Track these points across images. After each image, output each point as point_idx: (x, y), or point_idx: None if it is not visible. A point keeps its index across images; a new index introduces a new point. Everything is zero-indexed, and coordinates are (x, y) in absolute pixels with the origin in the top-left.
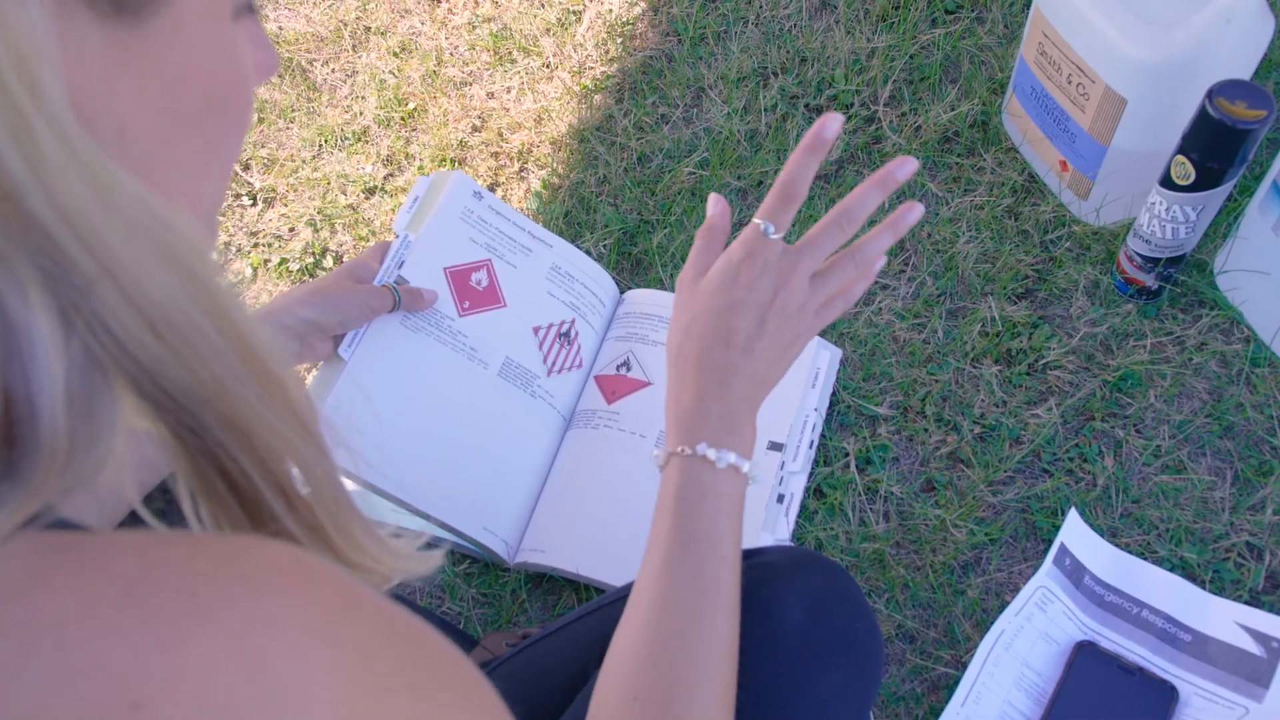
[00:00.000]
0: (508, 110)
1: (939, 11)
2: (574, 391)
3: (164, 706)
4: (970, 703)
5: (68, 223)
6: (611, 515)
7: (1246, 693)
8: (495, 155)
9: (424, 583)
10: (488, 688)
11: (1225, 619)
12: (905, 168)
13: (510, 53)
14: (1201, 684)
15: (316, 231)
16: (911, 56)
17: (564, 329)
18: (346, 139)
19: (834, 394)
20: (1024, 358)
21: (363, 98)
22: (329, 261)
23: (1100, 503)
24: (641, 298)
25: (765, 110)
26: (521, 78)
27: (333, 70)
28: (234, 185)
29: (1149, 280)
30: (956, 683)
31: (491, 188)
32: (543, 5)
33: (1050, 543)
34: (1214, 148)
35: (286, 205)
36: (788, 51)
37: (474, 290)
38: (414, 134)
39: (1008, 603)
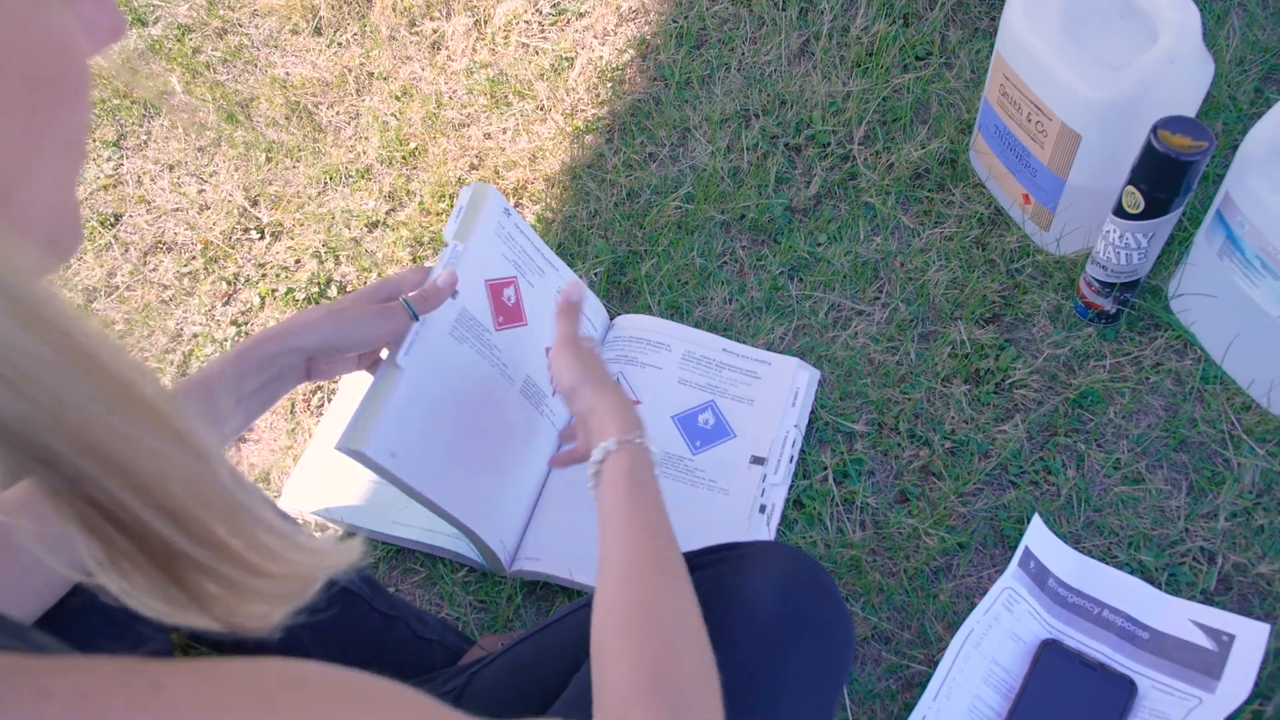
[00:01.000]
0: (504, 150)
1: (910, 58)
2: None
3: None
4: (941, 698)
5: None
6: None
7: (1200, 684)
8: None
9: (424, 590)
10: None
11: (1180, 617)
12: (575, 292)
13: (506, 96)
14: (1158, 678)
15: (321, 263)
16: (884, 99)
17: None
18: (350, 176)
19: (813, 412)
20: (991, 377)
21: (366, 138)
22: (333, 291)
23: (1064, 511)
24: (631, 323)
25: (747, 149)
26: (517, 119)
27: (337, 113)
28: (242, 219)
29: (1107, 304)
30: (929, 680)
31: None
32: (537, 52)
33: (1016, 548)
34: (1160, 178)
35: (293, 238)
36: (768, 95)
37: (505, 305)
38: (414, 172)
39: (977, 605)
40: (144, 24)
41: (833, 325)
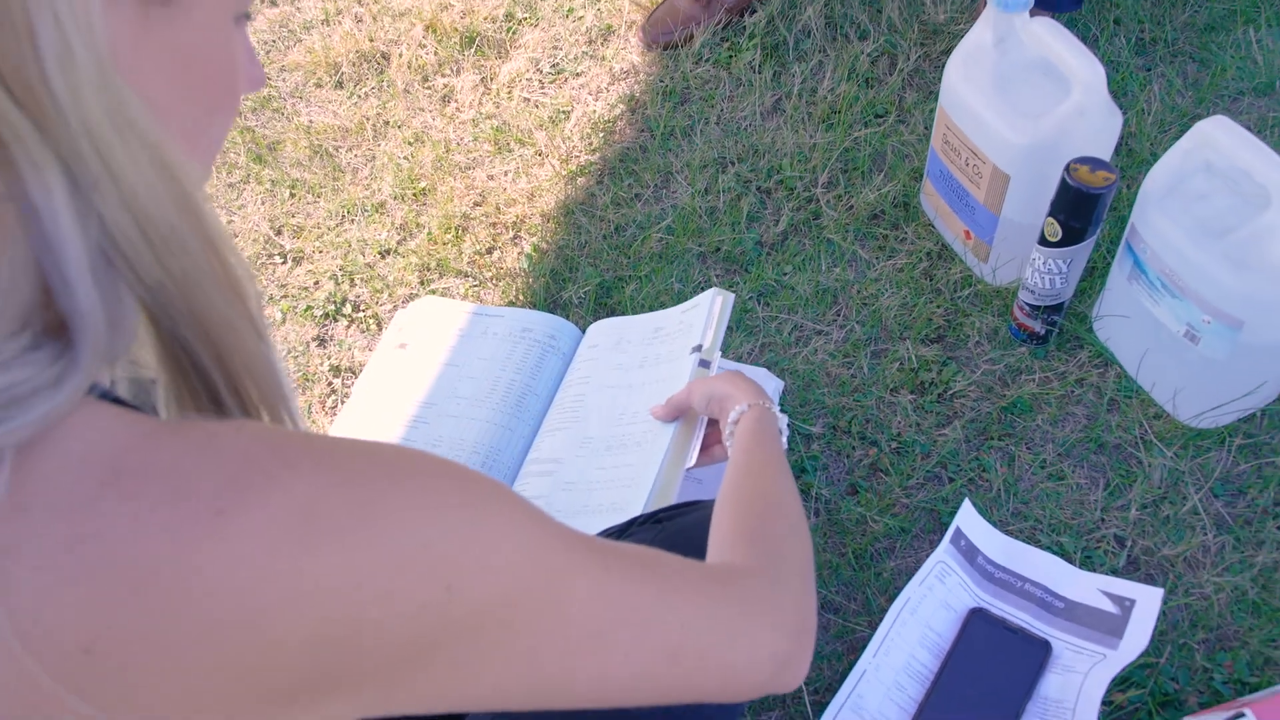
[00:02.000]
0: (505, 189)
1: (870, 115)
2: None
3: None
4: (880, 655)
5: (89, 136)
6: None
7: (1104, 643)
8: (493, 225)
9: None
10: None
11: (1090, 587)
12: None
13: (508, 143)
14: (1070, 639)
15: (338, 284)
16: (846, 150)
17: None
18: (366, 210)
19: None
20: (934, 389)
21: (381, 178)
22: (348, 309)
23: (995, 502)
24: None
25: (723, 191)
26: (517, 163)
27: (355, 155)
28: (267, 246)
29: (1037, 326)
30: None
31: (489, 251)
32: (537, 105)
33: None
34: (1074, 209)
35: (313, 263)
36: (743, 145)
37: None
38: (424, 207)
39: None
40: None
41: (795, 343)
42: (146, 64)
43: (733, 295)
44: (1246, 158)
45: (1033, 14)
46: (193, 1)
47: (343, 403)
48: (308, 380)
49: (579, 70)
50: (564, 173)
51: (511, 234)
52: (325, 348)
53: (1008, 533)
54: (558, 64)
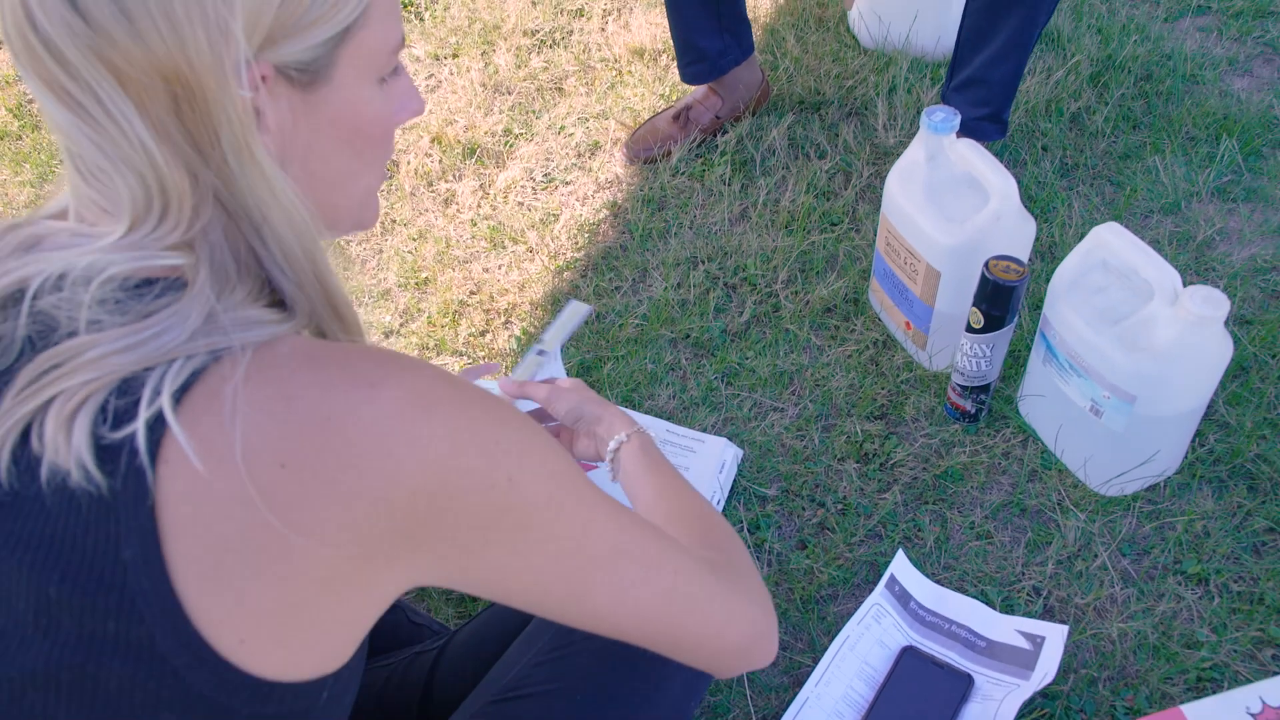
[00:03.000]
0: (498, 280)
1: (826, 224)
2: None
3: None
4: (821, 685)
5: (252, 195)
6: None
7: (1019, 675)
8: (487, 311)
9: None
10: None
11: (1008, 628)
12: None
13: (503, 241)
14: (990, 673)
15: None
16: (804, 252)
17: None
18: (372, 296)
19: (735, 480)
20: (877, 459)
21: (387, 268)
22: None
23: (928, 557)
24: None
25: (693, 285)
26: (510, 259)
27: (364, 248)
28: None
29: (968, 406)
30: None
31: (483, 334)
32: (529, 209)
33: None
34: (993, 300)
35: None
36: (713, 246)
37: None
38: (425, 295)
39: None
40: None
41: (754, 417)
42: (306, 132)
43: (590, 308)
44: (1134, 257)
45: (958, 136)
46: (337, 82)
47: None
48: None
49: (568, 179)
50: (552, 267)
51: (503, 319)
52: None
53: (938, 582)
54: (549, 173)
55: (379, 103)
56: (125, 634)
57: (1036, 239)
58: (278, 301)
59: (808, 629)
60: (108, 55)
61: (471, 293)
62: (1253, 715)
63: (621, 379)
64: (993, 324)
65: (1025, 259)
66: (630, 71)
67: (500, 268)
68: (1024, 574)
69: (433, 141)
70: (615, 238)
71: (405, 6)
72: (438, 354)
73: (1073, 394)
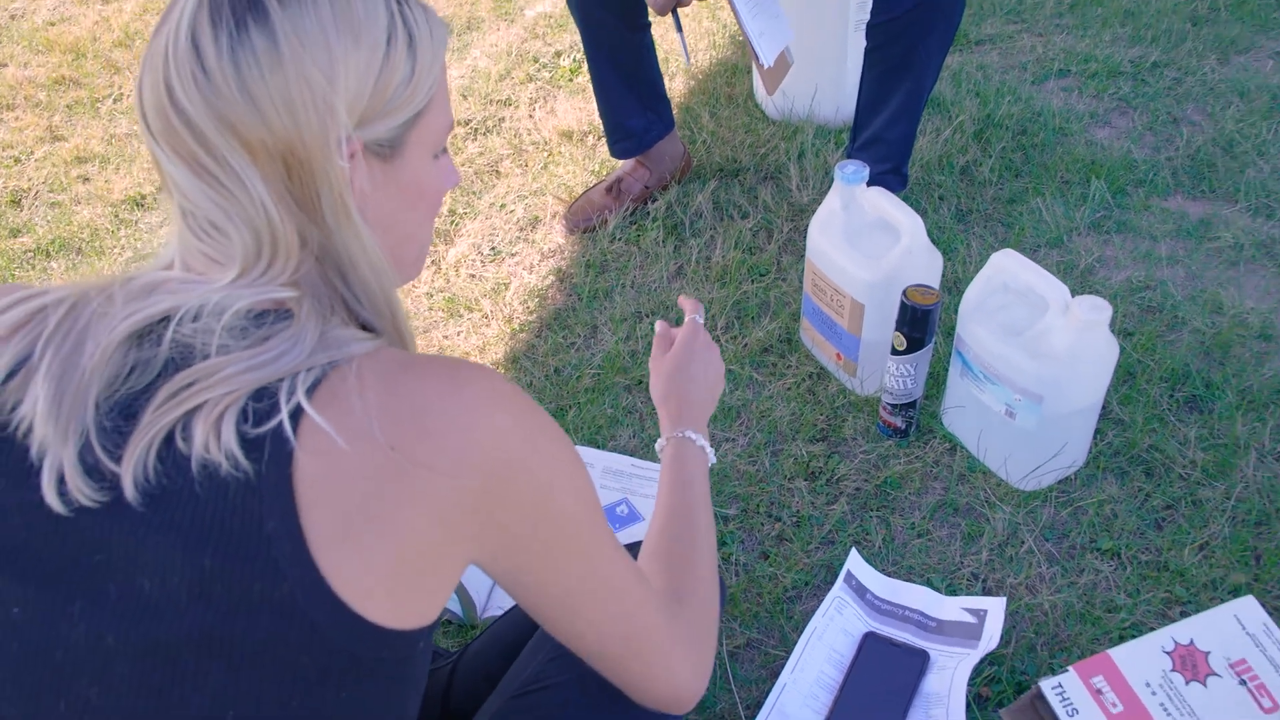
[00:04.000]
0: (458, 346)
1: (755, 275)
2: None
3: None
4: (796, 672)
5: (345, 248)
6: None
7: (967, 645)
8: None
9: None
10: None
11: (955, 607)
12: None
13: (459, 310)
14: (942, 647)
15: None
16: (737, 301)
17: None
18: None
19: None
20: (823, 475)
21: None
22: None
23: (877, 556)
24: None
25: (641, 337)
26: (468, 325)
27: None
28: None
29: (899, 422)
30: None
31: None
32: (480, 279)
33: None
34: (912, 323)
35: None
36: (655, 301)
37: None
38: None
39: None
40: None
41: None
42: (382, 194)
43: None
44: (1029, 277)
45: (869, 185)
46: (407, 155)
47: None
48: None
49: (514, 251)
50: (508, 330)
51: None
52: None
53: (889, 575)
54: (495, 247)
55: (435, 173)
56: (270, 593)
57: (942, 276)
58: (361, 326)
59: (778, 626)
60: (239, 131)
61: None
62: (1168, 652)
63: (585, 424)
64: (914, 345)
65: (936, 287)
66: (560, 152)
67: (459, 334)
68: (962, 563)
69: None
70: (564, 300)
71: None
72: None
73: (989, 401)
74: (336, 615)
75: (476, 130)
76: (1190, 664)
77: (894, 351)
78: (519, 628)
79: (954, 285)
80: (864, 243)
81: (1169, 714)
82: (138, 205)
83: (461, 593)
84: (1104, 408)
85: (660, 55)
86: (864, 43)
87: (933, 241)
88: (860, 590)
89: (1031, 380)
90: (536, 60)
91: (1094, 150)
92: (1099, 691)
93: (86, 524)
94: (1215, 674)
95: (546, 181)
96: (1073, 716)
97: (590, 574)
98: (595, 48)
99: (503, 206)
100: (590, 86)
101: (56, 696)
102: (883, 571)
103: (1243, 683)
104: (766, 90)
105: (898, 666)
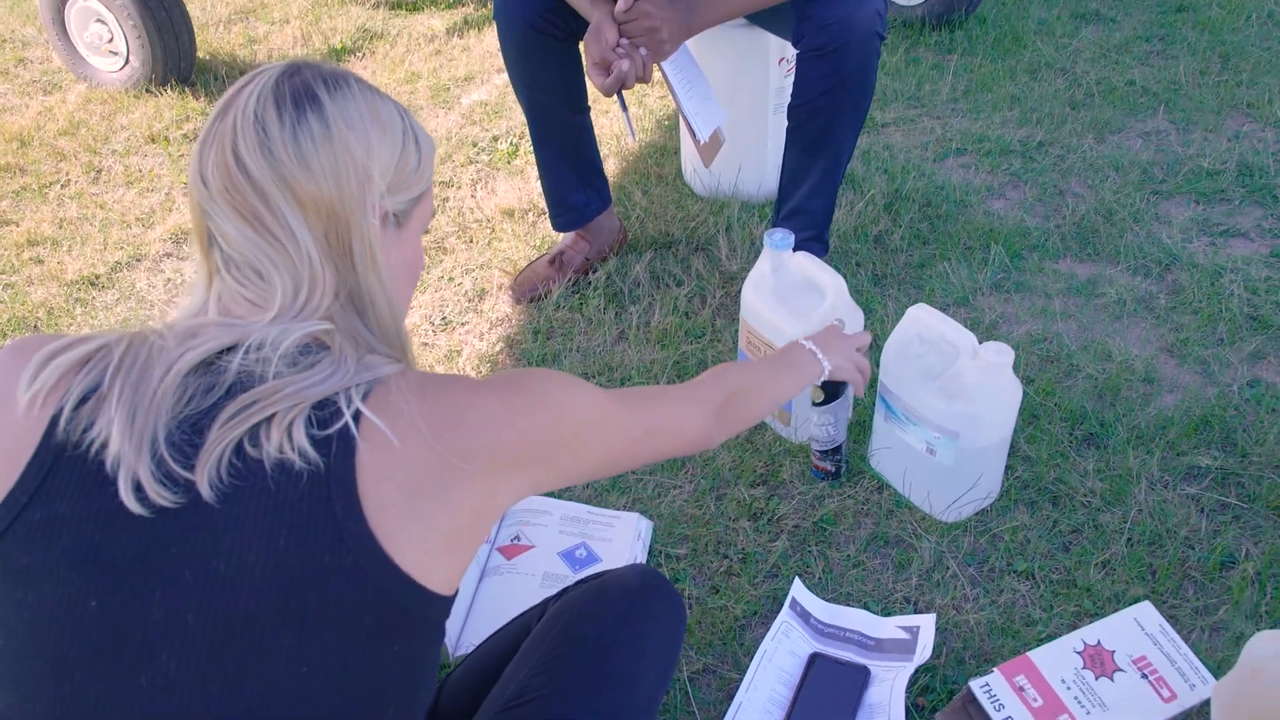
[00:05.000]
0: None
1: (692, 337)
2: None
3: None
4: (750, 691)
5: (369, 283)
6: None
7: (903, 659)
8: None
9: None
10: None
11: (890, 626)
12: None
13: None
14: (882, 663)
15: None
16: (676, 361)
17: None
18: None
19: (651, 546)
20: (765, 515)
21: None
22: None
23: (818, 586)
24: (523, 502)
25: None
26: None
27: None
28: None
29: (829, 466)
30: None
31: None
32: (432, 348)
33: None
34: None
35: None
36: (600, 364)
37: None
38: None
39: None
40: None
41: (658, 495)
42: (390, 255)
43: None
44: (941, 327)
45: (795, 250)
46: (411, 225)
47: None
48: None
49: (464, 321)
50: None
51: None
52: None
53: (830, 601)
54: (446, 317)
55: (420, 247)
56: (338, 561)
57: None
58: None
59: (731, 652)
60: (295, 190)
61: None
62: (1078, 652)
63: None
64: (830, 396)
65: None
66: (503, 229)
67: None
68: (895, 588)
69: None
70: (514, 365)
71: None
72: None
73: (911, 440)
74: (392, 576)
75: None
76: (1099, 661)
77: (814, 403)
78: (504, 645)
79: (874, 341)
80: (792, 302)
81: (1082, 705)
82: (92, 285)
83: (450, 646)
84: (1013, 446)
85: (597, 135)
86: (784, 124)
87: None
88: (804, 615)
89: (948, 419)
90: (475, 144)
91: (992, 219)
92: (1021, 689)
93: (164, 523)
94: (1121, 669)
95: (491, 256)
96: (999, 712)
97: (616, 435)
98: (540, 129)
99: (451, 280)
100: (528, 168)
101: (137, 673)
102: (824, 598)
103: (1144, 676)
104: (704, 162)
105: (842, 682)
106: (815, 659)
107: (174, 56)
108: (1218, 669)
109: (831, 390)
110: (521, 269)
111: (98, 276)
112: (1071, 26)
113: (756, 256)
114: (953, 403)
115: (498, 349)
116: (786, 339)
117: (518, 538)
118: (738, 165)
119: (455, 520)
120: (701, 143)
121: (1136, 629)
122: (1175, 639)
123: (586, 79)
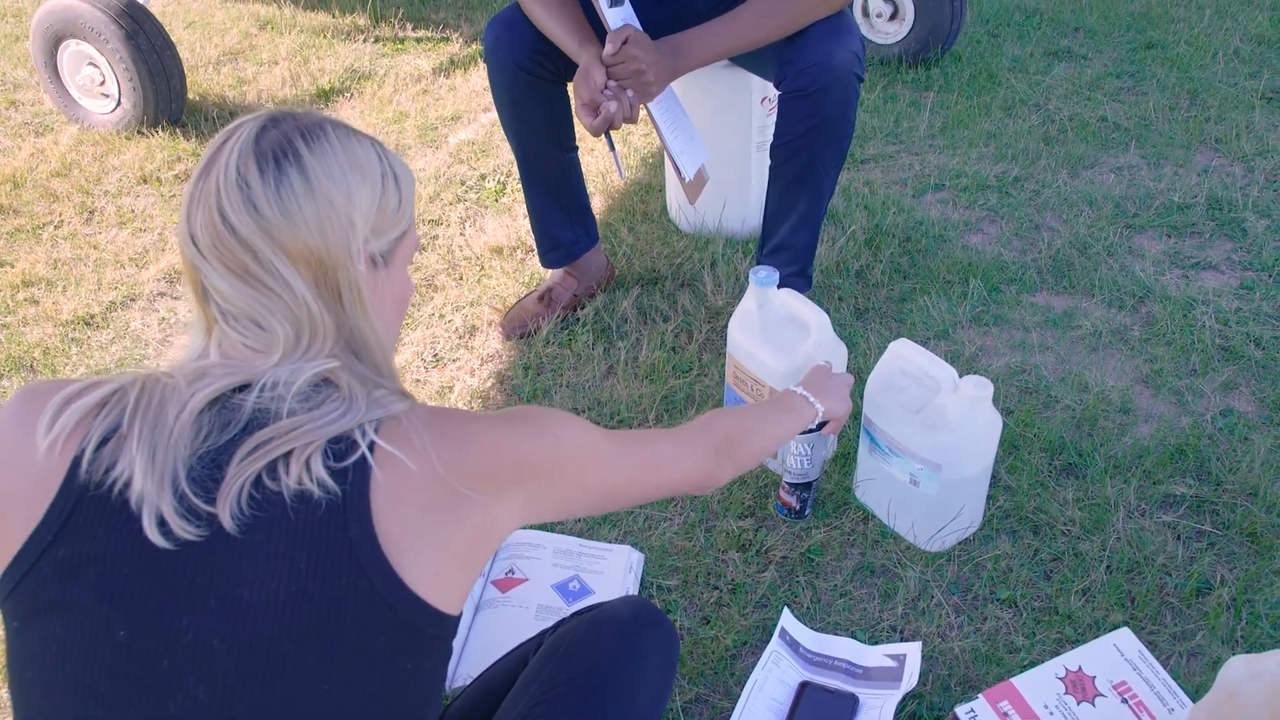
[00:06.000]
0: None
1: (679, 371)
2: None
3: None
4: (742, 718)
5: (358, 324)
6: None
7: (890, 687)
8: None
9: None
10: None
11: (877, 655)
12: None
13: None
14: (869, 690)
15: None
16: (664, 395)
17: None
18: None
19: (642, 577)
20: (753, 547)
21: None
22: None
23: (806, 615)
24: (518, 535)
25: None
26: None
27: None
28: None
29: (794, 502)
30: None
31: None
32: (424, 384)
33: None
34: None
35: None
36: (590, 398)
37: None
38: None
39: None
40: None
41: (648, 528)
42: (377, 294)
43: None
44: (922, 362)
45: (779, 286)
46: (397, 261)
47: None
48: None
49: (455, 357)
50: None
51: None
52: None
53: (818, 630)
54: (438, 354)
55: (406, 280)
56: (354, 584)
57: (847, 366)
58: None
59: (722, 682)
60: (283, 243)
61: None
62: (1060, 678)
63: None
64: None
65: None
66: (492, 266)
67: None
68: (881, 617)
69: None
70: (505, 400)
71: None
72: None
73: (895, 472)
74: (405, 598)
75: None
76: (1080, 687)
77: None
78: (502, 676)
79: (858, 374)
80: (778, 337)
81: None
82: (87, 325)
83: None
84: (994, 476)
85: (584, 173)
86: (767, 162)
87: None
88: (794, 645)
89: (930, 450)
90: (463, 183)
91: (970, 254)
92: (1005, 714)
93: (188, 555)
94: (1101, 694)
95: (481, 293)
96: None
97: (605, 468)
98: (528, 168)
99: (442, 317)
100: (516, 206)
101: (165, 700)
102: (812, 628)
103: (1125, 701)
104: (689, 200)
105: (831, 710)
106: (805, 687)
107: (165, 99)
108: (1195, 693)
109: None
110: (511, 306)
111: (92, 316)
112: (1044, 64)
113: (741, 291)
114: (935, 435)
115: (489, 385)
116: (773, 374)
117: (511, 571)
118: (722, 202)
119: (461, 542)
120: (687, 180)
121: (1116, 654)
122: (1154, 664)
123: (574, 119)
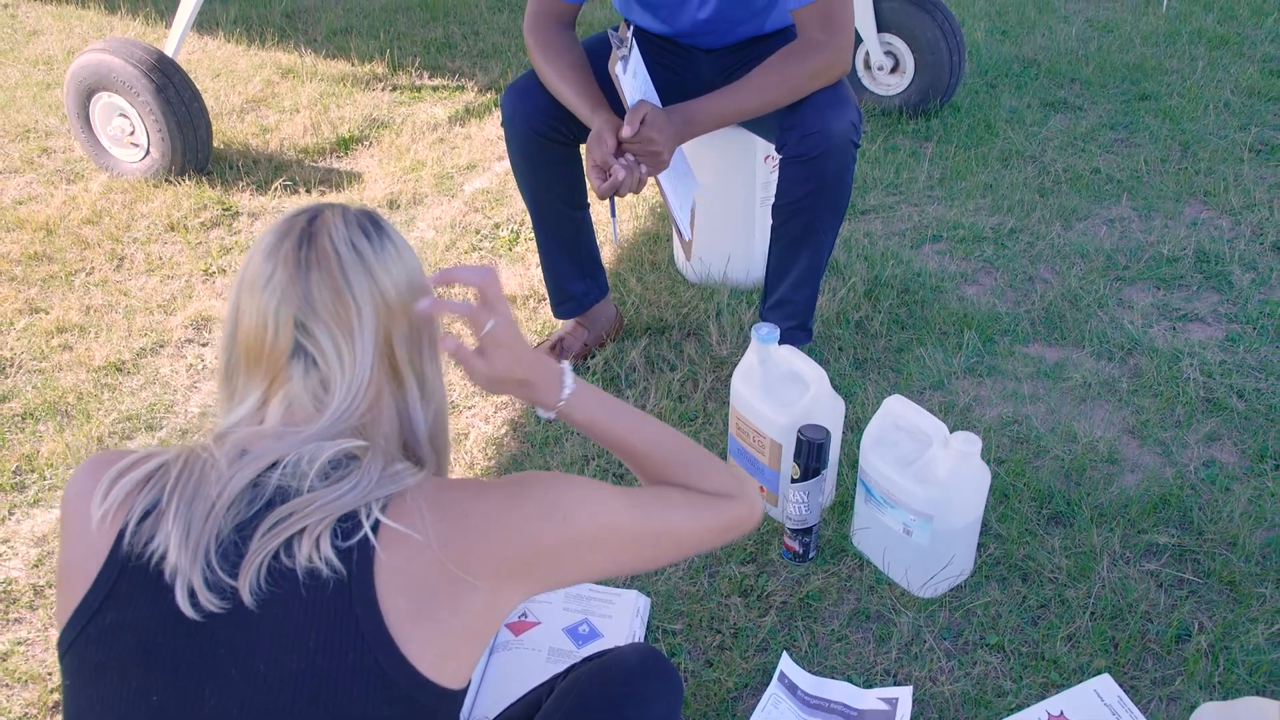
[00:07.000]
0: None
1: (684, 419)
2: None
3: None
4: None
5: (414, 400)
6: (522, 688)
7: None
8: None
9: None
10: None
11: (871, 698)
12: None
13: None
14: None
15: None
16: None
17: None
18: None
19: (649, 621)
20: (755, 592)
21: None
22: None
23: (804, 659)
24: None
25: (591, 476)
26: None
27: None
28: None
29: (797, 546)
30: None
31: None
32: None
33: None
34: (805, 455)
35: None
36: (597, 446)
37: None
38: None
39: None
40: (152, 429)
41: (655, 573)
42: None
43: None
44: (915, 417)
45: (780, 344)
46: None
47: None
48: None
49: (470, 405)
50: (470, 475)
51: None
52: None
53: (815, 674)
54: (454, 401)
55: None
56: (360, 661)
57: (845, 415)
58: (407, 457)
59: None
60: (387, 303)
61: None
62: None
63: None
64: (808, 475)
65: (838, 429)
66: None
67: None
68: (876, 661)
69: None
70: (519, 447)
71: None
72: None
73: (889, 521)
74: (409, 675)
75: None
76: None
77: (792, 480)
78: (526, 711)
79: (855, 425)
80: (779, 392)
81: None
82: (118, 370)
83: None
84: (984, 524)
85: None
86: (770, 218)
87: (835, 388)
88: (792, 688)
89: (922, 502)
90: (478, 232)
91: (965, 305)
92: None
93: (213, 627)
94: None
95: None
96: None
97: (621, 540)
98: (542, 224)
99: (456, 365)
100: (529, 255)
101: None
102: (810, 671)
103: None
104: (685, 256)
105: None
106: None
107: (192, 148)
108: None
109: (809, 466)
110: None
111: (123, 362)
112: (1041, 114)
113: (746, 341)
114: (926, 488)
115: (503, 431)
116: (773, 427)
117: (524, 614)
118: (727, 255)
119: (463, 624)
120: (686, 239)
121: (1096, 700)
122: (1132, 709)
123: (586, 178)
